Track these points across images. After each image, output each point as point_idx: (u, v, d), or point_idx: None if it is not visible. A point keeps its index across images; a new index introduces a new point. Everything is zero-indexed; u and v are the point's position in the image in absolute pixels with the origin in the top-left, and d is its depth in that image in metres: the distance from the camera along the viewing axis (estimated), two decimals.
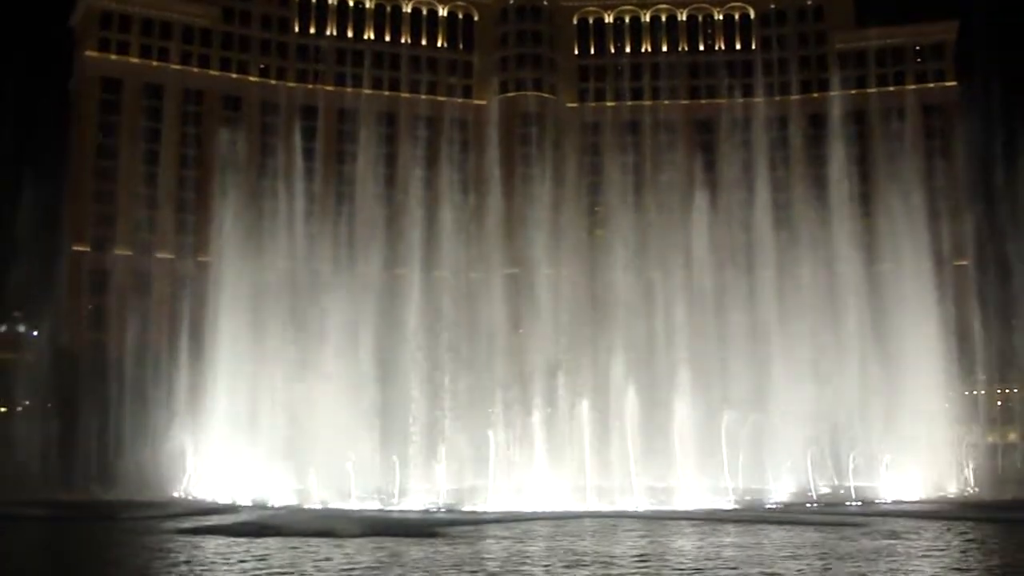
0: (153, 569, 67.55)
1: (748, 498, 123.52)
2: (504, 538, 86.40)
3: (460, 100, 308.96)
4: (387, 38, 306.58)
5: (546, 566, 66.36)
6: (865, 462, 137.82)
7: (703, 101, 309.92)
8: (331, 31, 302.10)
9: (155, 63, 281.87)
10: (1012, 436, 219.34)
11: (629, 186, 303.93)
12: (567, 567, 65.82)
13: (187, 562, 69.53)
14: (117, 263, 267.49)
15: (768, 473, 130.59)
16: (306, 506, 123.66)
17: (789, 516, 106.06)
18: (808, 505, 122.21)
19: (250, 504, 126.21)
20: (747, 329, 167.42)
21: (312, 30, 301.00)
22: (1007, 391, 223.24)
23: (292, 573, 64.20)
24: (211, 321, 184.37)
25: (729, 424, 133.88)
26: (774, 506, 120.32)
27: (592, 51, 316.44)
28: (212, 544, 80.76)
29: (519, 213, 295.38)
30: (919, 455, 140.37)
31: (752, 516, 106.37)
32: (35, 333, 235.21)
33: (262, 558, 70.92)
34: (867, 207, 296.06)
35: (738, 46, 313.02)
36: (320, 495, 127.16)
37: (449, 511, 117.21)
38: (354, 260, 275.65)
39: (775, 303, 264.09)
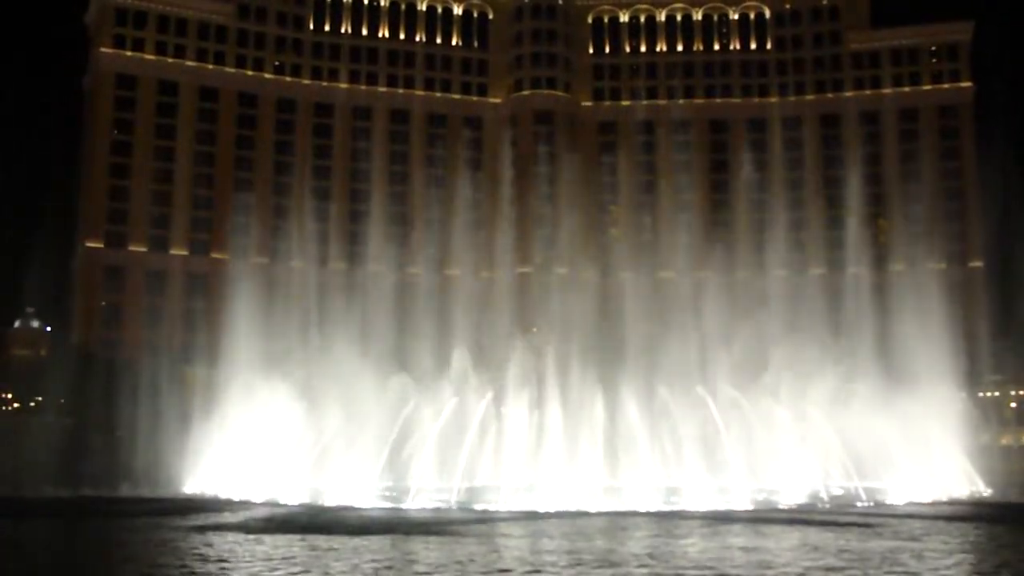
0: (166, 565, 67.74)
1: (760, 498, 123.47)
2: (517, 536, 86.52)
3: (475, 98, 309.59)
4: (402, 36, 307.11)
5: (559, 565, 66.41)
6: (877, 464, 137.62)
7: (718, 100, 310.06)
8: (346, 29, 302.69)
9: (170, 60, 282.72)
10: None
11: (643, 185, 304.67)
12: (579, 566, 65.87)
13: (202, 558, 69.73)
14: (131, 260, 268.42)
15: (780, 474, 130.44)
16: (319, 504, 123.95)
17: (801, 516, 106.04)
18: (820, 506, 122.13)
19: (263, 502, 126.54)
20: (758, 327, 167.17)
21: (327, 27, 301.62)
22: (1021, 393, 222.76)
23: (306, 570, 64.33)
24: (226, 318, 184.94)
25: (737, 422, 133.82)
26: (786, 507, 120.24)
27: (607, 50, 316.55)
28: (225, 540, 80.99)
29: (533, 211, 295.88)
30: (932, 457, 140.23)
31: (765, 516, 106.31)
32: (49, 329, 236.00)
33: (275, 555, 71.08)
34: (881, 208, 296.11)
35: (753, 46, 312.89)
36: (333, 493, 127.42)
37: (462, 509, 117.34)
38: (367, 258, 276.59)
39: (787, 302, 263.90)
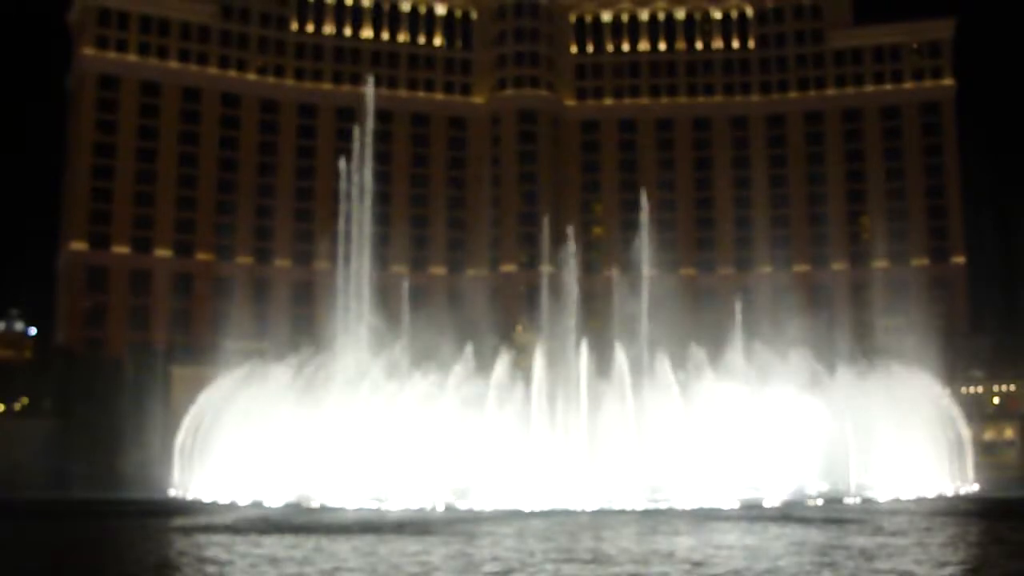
0: (164, 567, 67.81)
1: (747, 496, 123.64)
2: (502, 535, 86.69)
3: (458, 98, 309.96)
4: (385, 36, 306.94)
5: (545, 564, 66.63)
6: (862, 459, 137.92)
7: (700, 99, 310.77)
8: (329, 29, 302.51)
9: (153, 60, 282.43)
10: (1009, 433, 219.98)
11: (626, 184, 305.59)
12: (564, 564, 66.10)
13: (199, 560, 69.83)
14: (115, 261, 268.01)
15: (767, 471, 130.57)
16: (305, 505, 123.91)
17: (787, 513, 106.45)
18: (806, 503, 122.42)
19: (249, 503, 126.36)
20: (741, 324, 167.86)
21: (310, 28, 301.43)
22: (1003, 388, 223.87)
23: (302, 570, 64.49)
24: (211, 317, 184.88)
25: (723, 419, 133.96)
26: (772, 503, 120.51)
27: (590, 49, 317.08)
28: (216, 542, 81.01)
29: (516, 210, 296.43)
30: (917, 453, 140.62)
31: (751, 514, 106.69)
32: (33, 331, 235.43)
33: (269, 557, 71.16)
34: (863, 205, 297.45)
35: (735, 44, 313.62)
36: (319, 494, 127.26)
37: (447, 510, 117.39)
38: (349, 258, 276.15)
39: (770, 298, 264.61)
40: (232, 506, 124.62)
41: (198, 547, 77.41)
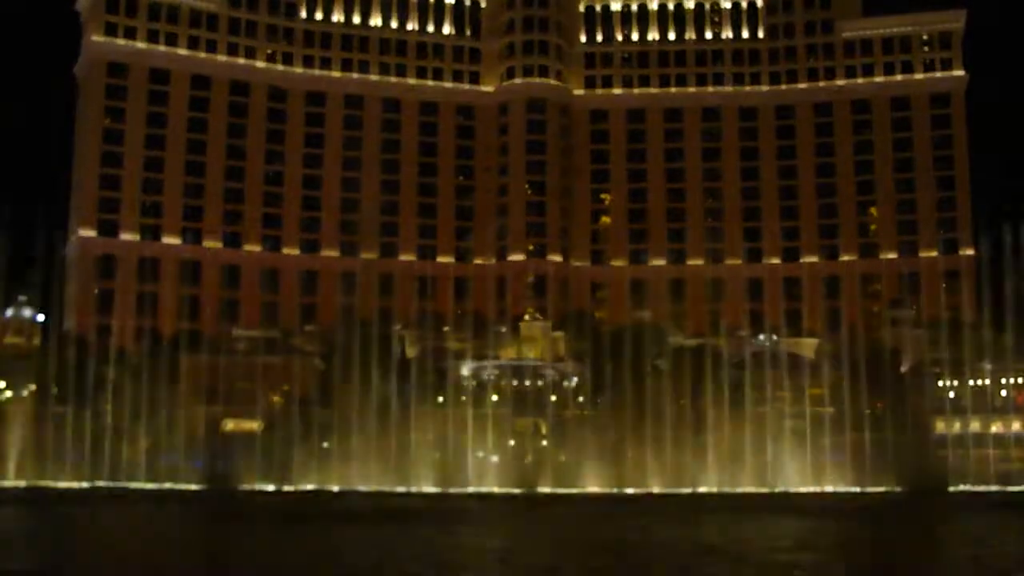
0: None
1: (744, 491, 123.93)
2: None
3: (466, 87, 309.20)
4: (394, 24, 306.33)
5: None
6: (873, 453, 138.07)
7: (710, 89, 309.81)
8: (338, 17, 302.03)
9: (162, 48, 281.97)
10: (1016, 426, 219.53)
11: (635, 174, 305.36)
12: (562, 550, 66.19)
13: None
14: (123, 248, 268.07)
15: (773, 465, 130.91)
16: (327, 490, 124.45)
17: (797, 506, 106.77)
18: (815, 497, 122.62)
19: (266, 491, 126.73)
20: (747, 317, 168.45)
21: (319, 16, 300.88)
22: (1011, 381, 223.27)
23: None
24: (219, 305, 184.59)
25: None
26: (782, 496, 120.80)
27: (599, 38, 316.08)
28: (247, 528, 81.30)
29: (525, 199, 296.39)
30: (925, 447, 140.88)
31: (761, 506, 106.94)
32: (41, 318, 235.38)
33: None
34: (873, 196, 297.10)
35: (745, 34, 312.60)
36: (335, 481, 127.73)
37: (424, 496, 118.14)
38: (359, 245, 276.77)
39: (779, 291, 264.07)
40: (241, 493, 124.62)
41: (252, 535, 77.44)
